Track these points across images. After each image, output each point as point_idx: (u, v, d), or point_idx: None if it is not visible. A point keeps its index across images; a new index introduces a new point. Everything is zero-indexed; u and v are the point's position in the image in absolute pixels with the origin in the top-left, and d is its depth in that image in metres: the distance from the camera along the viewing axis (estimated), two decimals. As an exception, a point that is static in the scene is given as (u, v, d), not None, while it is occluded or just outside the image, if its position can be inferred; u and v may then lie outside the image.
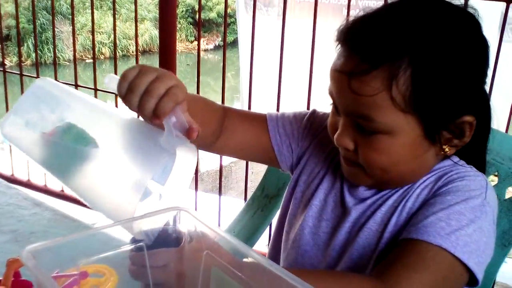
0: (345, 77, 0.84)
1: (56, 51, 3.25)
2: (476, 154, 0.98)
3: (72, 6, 2.79)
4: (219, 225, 2.54)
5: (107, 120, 0.83)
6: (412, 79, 0.81)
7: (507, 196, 1.14)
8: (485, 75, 0.90)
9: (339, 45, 0.87)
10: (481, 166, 0.99)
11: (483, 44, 0.87)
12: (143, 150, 0.78)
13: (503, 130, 1.96)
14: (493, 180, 1.16)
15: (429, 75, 0.81)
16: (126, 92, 0.76)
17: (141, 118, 0.80)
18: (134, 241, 0.68)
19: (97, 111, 0.84)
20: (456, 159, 0.95)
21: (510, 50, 2.19)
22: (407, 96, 0.81)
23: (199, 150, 1.05)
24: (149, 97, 0.74)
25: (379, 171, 0.89)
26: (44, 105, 0.86)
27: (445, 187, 0.90)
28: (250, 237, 1.27)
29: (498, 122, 0.97)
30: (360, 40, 0.83)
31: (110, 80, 0.79)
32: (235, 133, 1.06)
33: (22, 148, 0.82)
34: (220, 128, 1.04)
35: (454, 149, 0.91)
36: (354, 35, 0.85)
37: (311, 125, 1.08)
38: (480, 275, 0.83)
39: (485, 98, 0.93)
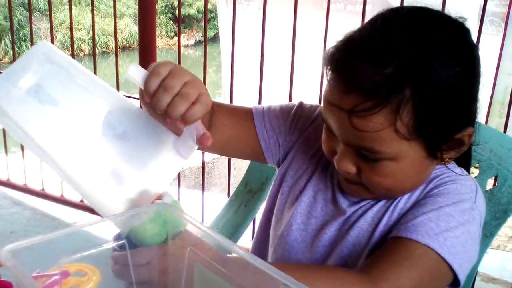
0: (344, 113, 0.81)
1: (34, 48, 3.20)
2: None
3: (49, 2, 2.76)
4: (202, 221, 2.53)
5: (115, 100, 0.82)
6: (414, 109, 0.79)
7: (487, 187, 1.15)
8: (478, 88, 0.88)
9: (330, 72, 0.84)
10: (467, 162, 1.01)
11: (476, 55, 0.86)
12: (158, 150, 0.78)
13: (483, 121, 1.98)
14: (473, 172, 1.17)
15: (431, 101, 0.79)
16: (158, 89, 0.74)
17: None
18: (116, 238, 0.67)
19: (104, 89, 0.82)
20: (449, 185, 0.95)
21: (489, 43, 2.20)
22: (411, 126, 0.80)
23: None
24: (183, 100, 0.73)
25: (383, 190, 0.90)
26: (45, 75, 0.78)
27: (436, 189, 0.91)
28: (234, 233, 1.27)
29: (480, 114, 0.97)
30: (357, 76, 0.79)
31: (134, 72, 0.75)
32: (222, 129, 1.04)
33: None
34: (207, 125, 1.02)
35: (453, 158, 0.92)
36: (348, 67, 0.81)
37: (298, 119, 1.07)
38: (462, 276, 0.85)
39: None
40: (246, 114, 1.07)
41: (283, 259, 1.02)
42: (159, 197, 0.73)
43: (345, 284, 0.79)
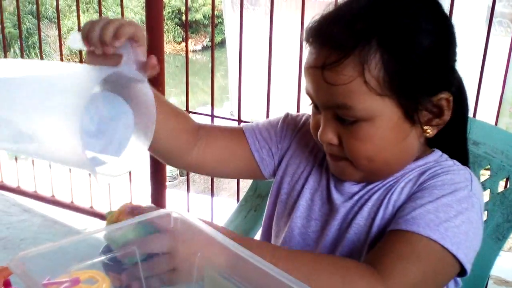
0: (318, 71, 0.85)
1: (43, 55, 3.22)
2: (458, 146, 1.00)
3: (57, 10, 2.77)
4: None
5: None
6: (382, 62, 0.82)
7: (499, 189, 1.14)
8: (453, 53, 0.91)
9: (308, 45, 0.89)
10: (464, 158, 1.01)
11: (447, 22, 0.89)
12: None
13: (493, 121, 1.97)
14: (484, 174, 1.16)
15: (399, 56, 0.83)
16: (89, 29, 0.78)
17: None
18: (104, 252, 0.66)
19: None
20: (439, 153, 0.97)
21: (498, 44, 2.19)
22: (381, 79, 0.83)
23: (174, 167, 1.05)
24: (110, 25, 0.77)
25: (365, 160, 0.90)
26: None
27: (430, 181, 0.90)
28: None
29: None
30: (327, 33, 0.85)
31: (75, 37, 0.79)
32: (212, 142, 1.06)
33: None
34: (194, 137, 1.04)
35: (436, 129, 0.92)
36: (321, 29, 0.87)
37: (287, 126, 1.10)
38: (468, 265, 0.84)
39: (458, 79, 0.95)
40: (236, 131, 1.10)
41: None
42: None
43: (354, 276, 0.78)
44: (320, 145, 0.95)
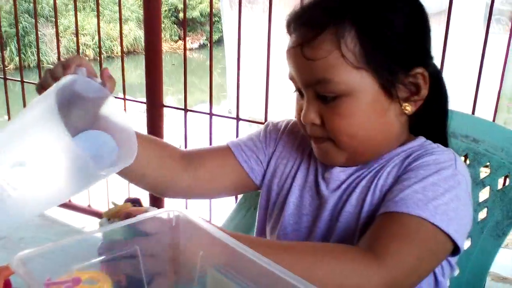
0: (297, 49, 0.90)
1: (40, 54, 3.22)
2: (439, 138, 1.01)
3: (55, 8, 2.76)
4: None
5: None
6: (358, 36, 0.86)
7: (499, 186, 1.14)
8: (427, 35, 0.94)
9: (289, 34, 0.94)
10: (443, 139, 1.03)
11: (420, 7, 0.93)
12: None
13: (491, 116, 1.97)
14: (484, 171, 1.16)
15: (372, 30, 0.87)
16: (44, 78, 0.89)
17: None
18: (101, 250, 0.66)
19: None
20: (423, 139, 0.98)
21: (496, 41, 2.19)
22: (357, 53, 0.87)
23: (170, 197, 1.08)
24: (57, 64, 0.87)
25: (346, 137, 0.92)
26: None
27: (415, 163, 0.92)
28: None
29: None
30: (304, 15, 0.91)
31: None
32: (201, 163, 1.09)
33: None
34: (182, 163, 1.07)
35: (414, 106, 0.93)
36: (298, 14, 0.93)
37: (270, 132, 1.13)
38: (460, 242, 0.85)
39: (436, 70, 0.99)
40: (223, 149, 1.12)
41: None
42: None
43: (349, 259, 0.78)
44: (305, 132, 0.97)
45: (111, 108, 0.83)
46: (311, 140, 0.98)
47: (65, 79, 0.76)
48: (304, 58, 0.89)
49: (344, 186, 0.98)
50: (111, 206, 0.83)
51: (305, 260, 0.76)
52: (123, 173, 1.03)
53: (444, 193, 0.85)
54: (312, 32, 0.88)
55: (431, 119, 1.00)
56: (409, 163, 0.92)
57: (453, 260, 0.96)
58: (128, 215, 0.74)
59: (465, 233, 0.88)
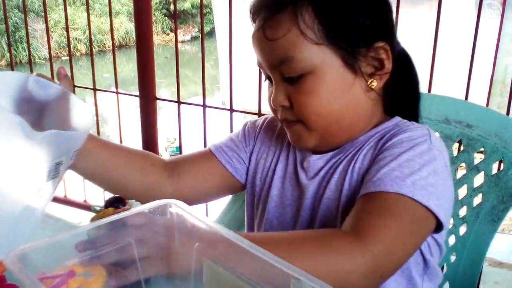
0: (260, 32, 0.92)
1: (31, 49, 3.20)
2: (410, 112, 1.02)
3: (44, 3, 2.74)
4: (207, 216, 2.52)
5: None
6: (315, 13, 0.88)
7: (493, 172, 1.14)
8: (385, 10, 0.95)
9: (253, 21, 0.95)
10: (414, 115, 1.03)
11: None
12: None
13: (484, 100, 1.98)
14: (479, 156, 1.16)
15: (329, 6, 0.88)
16: None
17: None
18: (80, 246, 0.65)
19: None
20: (399, 119, 0.98)
21: (488, 26, 2.19)
22: (316, 29, 0.88)
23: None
24: None
25: (314, 116, 0.92)
26: None
27: (389, 142, 0.92)
28: (239, 227, 1.26)
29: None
30: (264, 1, 0.92)
31: None
32: (185, 169, 1.10)
33: None
34: (164, 171, 1.08)
35: (380, 81, 0.94)
36: (259, 1, 0.94)
37: (248, 131, 1.14)
38: (442, 216, 0.84)
39: (404, 53, 1.00)
40: (204, 153, 1.13)
41: None
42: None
43: (333, 241, 0.78)
44: (277, 118, 0.98)
45: (74, 104, 0.82)
46: (284, 126, 0.99)
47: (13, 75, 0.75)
48: (266, 40, 0.90)
49: (322, 173, 0.98)
50: (100, 205, 0.83)
51: (287, 248, 0.76)
52: (105, 184, 1.06)
53: (420, 168, 0.85)
54: (271, 12, 0.90)
55: (402, 99, 1.01)
56: (384, 143, 0.92)
57: (440, 238, 0.96)
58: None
59: (447, 208, 0.88)
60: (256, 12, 0.94)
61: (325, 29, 0.88)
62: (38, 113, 0.83)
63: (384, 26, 0.94)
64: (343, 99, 0.92)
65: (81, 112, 0.84)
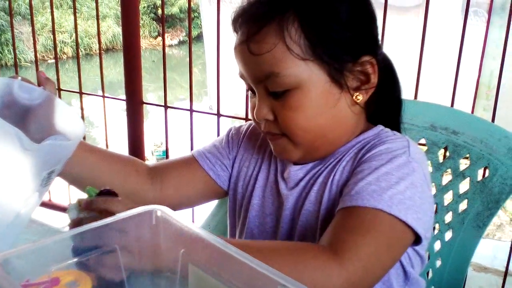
0: (244, 45, 0.89)
1: (17, 52, 3.17)
2: (392, 120, 1.02)
3: (30, 6, 2.72)
4: (193, 221, 2.51)
5: None
6: (301, 27, 0.86)
7: (479, 178, 1.15)
8: (372, 22, 0.94)
9: (236, 33, 0.93)
10: (396, 125, 1.03)
11: None
12: None
13: (470, 105, 2.00)
14: (464, 163, 1.17)
15: (316, 21, 0.87)
16: None
17: None
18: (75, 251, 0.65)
19: None
20: (380, 127, 0.98)
21: (474, 33, 2.21)
22: (302, 44, 0.86)
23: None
24: None
25: (300, 131, 0.91)
26: None
27: (368, 154, 0.91)
28: (225, 233, 1.25)
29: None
30: (247, 12, 0.91)
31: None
32: (167, 175, 1.09)
33: None
34: (146, 177, 1.08)
35: (365, 95, 0.93)
36: (242, 12, 0.92)
37: (232, 138, 1.14)
38: (420, 230, 0.84)
39: (387, 60, 0.99)
40: (187, 159, 1.13)
41: None
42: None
43: (308, 257, 0.77)
44: (261, 130, 0.96)
45: (60, 108, 0.82)
46: (267, 138, 0.98)
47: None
48: (251, 54, 0.88)
49: (302, 183, 0.98)
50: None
51: (259, 256, 0.76)
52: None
53: (398, 182, 0.84)
54: (256, 26, 0.87)
55: (385, 107, 1.00)
56: (363, 155, 0.92)
57: (421, 249, 0.95)
58: (105, 211, 0.74)
59: (427, 221, 0.87)
60: (240, 24, 0.92)
61: (312, 44, 0.87)
62: (22, 118, 0.82)
63: (369, 39, 0.93)
64: (329, 113, 0.91)
65: (69, 116, 0.83)
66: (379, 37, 0.97)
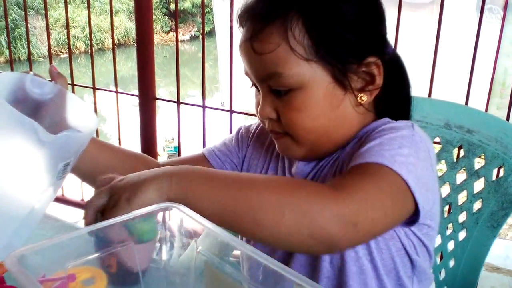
0: (247, 44, 0.89)
1: (30, 47, 3.19)
2: (401, 113, 0.99)
3: (45, 0, 2.74)
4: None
5: None
6: (306, 28, 0.85)
7: (493, 177, 1.14)
8: (380, 21, 0.93)
9: (240, 29, 0.93)
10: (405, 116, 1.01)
11: None
12: None
13: (484, 102, 1.98)
14: (480, 162, 1.16)
15: (320, 21, 0.86)
16: None
17: None
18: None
19: None
20: (387, 119, 0.96)
21: (489, 30, 2.19)
22: (306, 45, 0.86)
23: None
24: None
25: (302, 131, 0.91)
26: None
27: (372, 133, 0.89)
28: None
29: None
30: (252, 9, 0.90)
31: None
32: None
33: None
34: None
35: (370, 96, 0.92)
36: (247, 9, 0.91)
37: (242, 136, 1.14)
38: (419, 197, 0.80)
39: (396, 56, 0.98)
40: (197, 157, 1.13)
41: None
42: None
43: (307, 187, 0.77)
44: (265, 127, 0.96)
45: (72, 102, 0.82)
46: (272, 137, 0.98)
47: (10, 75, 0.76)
48: (254, 53, 0.88)
49: (310, 177, 0.98)
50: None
51: (261, 189, 0.75)
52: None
53: (401, 147, 0.82)
54: (260, 25, 0.87)
55: (394, 105, 0.98)
56: (367, 136, 0.90)
57: (427, 240, 0.93)
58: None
59: (427, 195, 0.83)
60: (244, 21, 0.92)
61: (315, 45, 0.86)
62: (34, 112, 0.83)
63: (375, 40, 0.92)
64: (332, 114, 0.91)
65: (82, 110, 0.84)
66: (390, 35, 0.96)
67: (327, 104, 0.89)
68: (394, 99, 0.98)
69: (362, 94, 0.91)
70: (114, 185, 0.73)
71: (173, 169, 0.73)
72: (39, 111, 0.84)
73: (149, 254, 0.70)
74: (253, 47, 0.88)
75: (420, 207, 0.82)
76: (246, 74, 0.95)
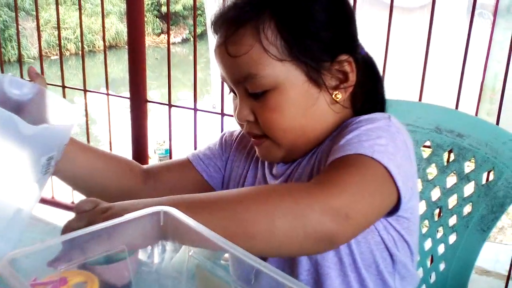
0: (222, 48, 0.90)
1: (21, 48, 3.17)
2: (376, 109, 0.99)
3: (35, 2, 2.72)
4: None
5: None
6: (278, 29, 0.87)
7: (483, 181, 1.15)
8: (349, 20, 0.95)
9: (215, 34, 0.94)
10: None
11: None
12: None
13: (474, 107, 1.99)
14: (470, 165, 1.17)
15: (292, 21, 0.87)
16: None
17: None
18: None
19: None
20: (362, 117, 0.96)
21: (479, 35, 2.21)
22: (279, 45, 0.87)
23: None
24: None
25: (280, 132, 0.92)
26: None
27: (349, 126, 0.89)
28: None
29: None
30: (225, 14, 0.92)
31: None
32: (161, 177, 1.11)
33: None
34: (140, 178, 1.10)
35: (344, 93, 0.93)
36: (220, 15, 0.93)
37: (225, 141, 1.16)
38: (400, 184, 0.81)
39: (369, 59, 0.99)
40: (182, 161, 1.14)
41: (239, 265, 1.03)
42: None
43: (294, 191, 0.76)
44: (244, 130, 0.97)
45: (52, 100, 0.83)
46: (252, 141, 0.99)
47: None
48: (229, 56, 0.89)
49: (288, 172, 0.98)
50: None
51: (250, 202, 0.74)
52: (82, 188, 1.07)
53: (379, 137, 0.83)
54: (233, 28, 0.89)
55: (369, 103, 0.99)
56: (344, 128, 0.91)
57: (407, 234, 0.93)
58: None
59: (408, 184, 0.84)
60: (219, 26, 0.93)
61: (288, 45, 0.87)
62: (15, 113, 0.83)
63: (347, 38, 0.93)
64: (308, 113, 0.92)
65: (63, 107, 0.84)
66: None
67: (303, 103, 0.91)
68: (370, 96, 0.99)
69: (337, 92, 0.92)
70: (98, 214, 0.70)
71: (158, 202, 0.72)
72: (20, 112, 0.83)
73: (125, 272, 0.68)
74: (227, 50, 0.89)
75: (401, 196, 0.83)
76: (223, 78, 0.96)
